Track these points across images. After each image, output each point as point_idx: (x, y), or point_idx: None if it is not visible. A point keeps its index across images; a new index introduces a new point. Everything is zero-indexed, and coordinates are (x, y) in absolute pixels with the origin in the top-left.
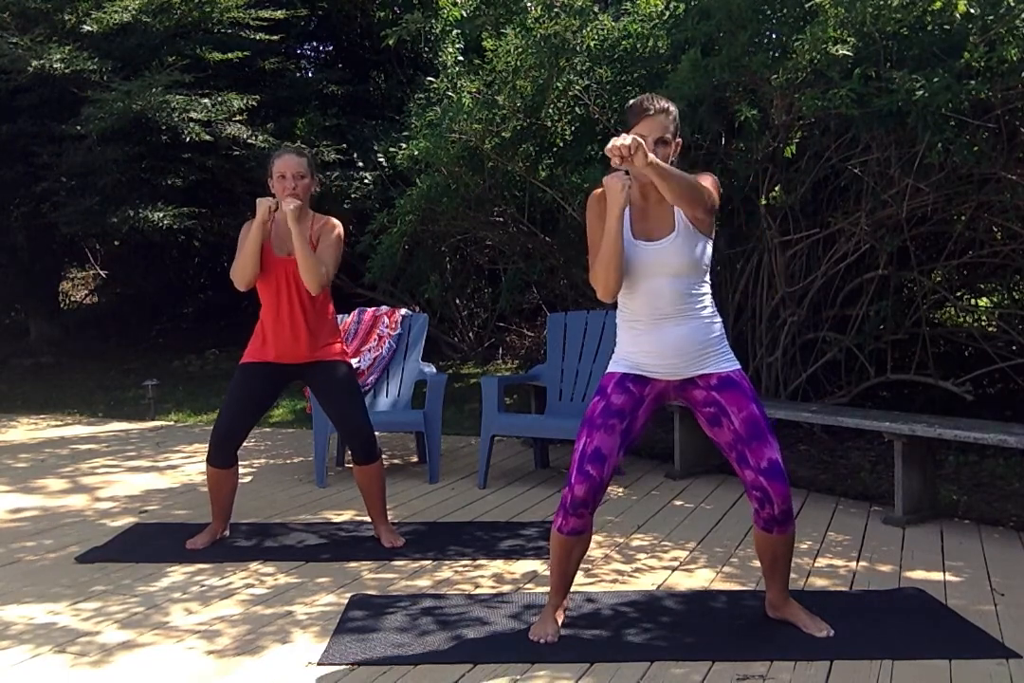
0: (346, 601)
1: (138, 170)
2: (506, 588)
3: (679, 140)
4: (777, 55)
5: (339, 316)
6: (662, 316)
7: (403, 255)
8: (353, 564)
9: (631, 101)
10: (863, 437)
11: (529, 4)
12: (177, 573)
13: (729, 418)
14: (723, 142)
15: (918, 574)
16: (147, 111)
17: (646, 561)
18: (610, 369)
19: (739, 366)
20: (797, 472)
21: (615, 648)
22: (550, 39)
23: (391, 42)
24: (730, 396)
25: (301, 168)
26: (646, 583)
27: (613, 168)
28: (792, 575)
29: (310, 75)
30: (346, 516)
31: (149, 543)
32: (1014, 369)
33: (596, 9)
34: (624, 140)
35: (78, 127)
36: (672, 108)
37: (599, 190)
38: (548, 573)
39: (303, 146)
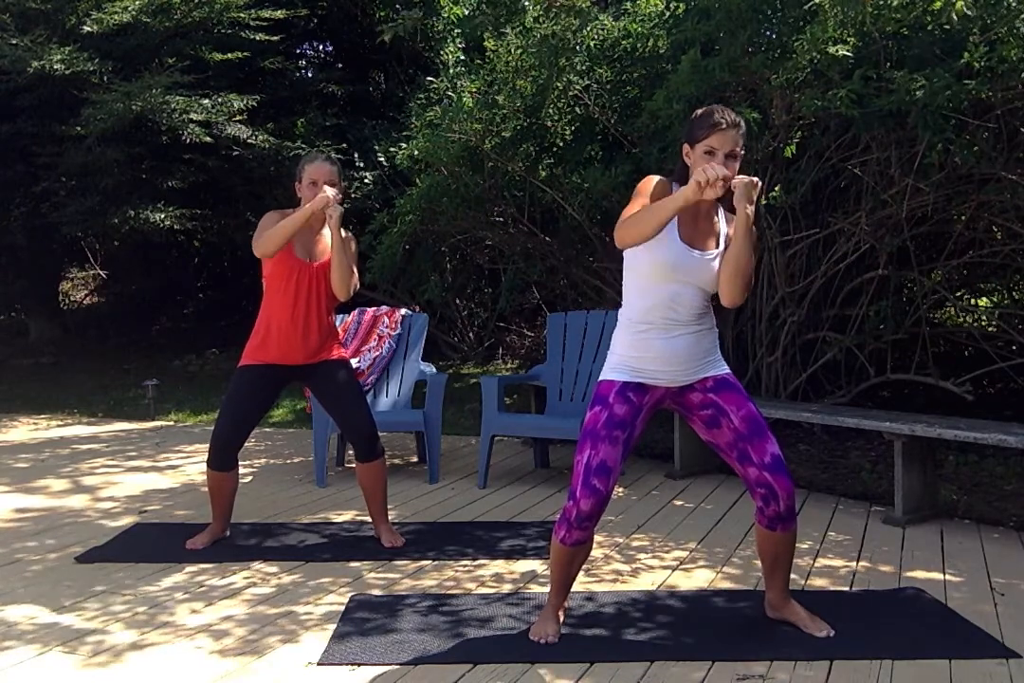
0: (346, 601)
1: (138, 170)
2: (506, 588)
3: (743, 152)
4: (777, 55)
5: (339, 316)
6: (676, 323)
7: (403, 255)
8: (353, 564)
9: (699, 111)
10: (863, 437)
11: (527, 4)
12: (178, 573)
13: (728, 417)
14: None
15: (918, 574)
16: (147, 112)
17: (646, 561)
18: (608, 377)
19: (729, 369)
20: (797, 472)
21: (615, 648)
22: (550, 39)
23: (387, 38)
24: (728, 396)
25: (333, 176)
26: (646, 583)
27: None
28: (792, 575)
29: (310, 75)
30: (346, 516)
31: (149, 543)
32: (1014, 369)
33: (595, 10)
34: (742, 178)
35: (78, 128)
36: (742, 122)
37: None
38: (548, 573)
39: (332, 153)
